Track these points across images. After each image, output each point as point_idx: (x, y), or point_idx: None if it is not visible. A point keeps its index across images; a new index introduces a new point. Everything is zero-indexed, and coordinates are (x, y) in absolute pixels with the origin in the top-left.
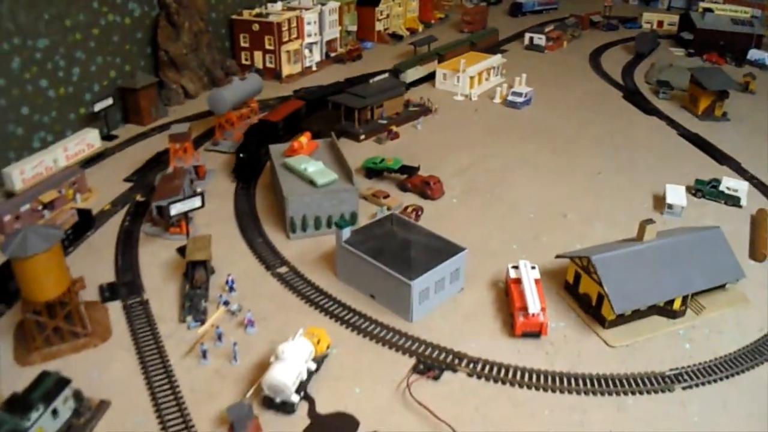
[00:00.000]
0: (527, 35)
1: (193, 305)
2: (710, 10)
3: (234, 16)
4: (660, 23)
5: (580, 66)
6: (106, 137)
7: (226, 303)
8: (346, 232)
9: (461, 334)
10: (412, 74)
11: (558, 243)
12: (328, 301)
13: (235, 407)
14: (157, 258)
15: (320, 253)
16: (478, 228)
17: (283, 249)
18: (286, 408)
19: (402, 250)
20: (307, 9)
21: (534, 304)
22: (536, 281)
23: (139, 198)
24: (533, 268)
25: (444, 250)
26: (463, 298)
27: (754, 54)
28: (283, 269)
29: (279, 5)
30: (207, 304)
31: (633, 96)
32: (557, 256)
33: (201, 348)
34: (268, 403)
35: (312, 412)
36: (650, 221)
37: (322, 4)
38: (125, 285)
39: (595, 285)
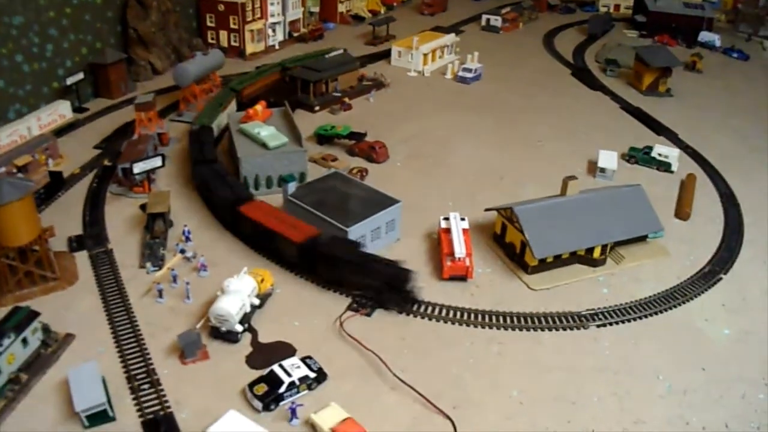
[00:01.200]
0: (484, 16)
1: (152, 253)
2: None
3: None
4: (617, 6)
5: (533, 46)
6: (77, 109)
7: (183, 251)
8: (291, 187)
9: None
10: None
11: (491, 201)
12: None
13: (185, 334)
14: (121, 214)
15: None
16: (418, 188)
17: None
18: (231, 337)
19: (341, 202)
20: None
21: (460, 250)
22: (464, 231)
23: (106, 162)
24: (463, 219)
25: (380, 202)
26: (399, 246)
27: (704, 36)
28: None
29: None
30: (165, 252)
31: (581, 73)
32: (486, 209)
33: (157, 287)
34: (215, 332)
35: (254, 341)
36: (572, 177)
37: None
38: (91, 237)
39: (519, 234)
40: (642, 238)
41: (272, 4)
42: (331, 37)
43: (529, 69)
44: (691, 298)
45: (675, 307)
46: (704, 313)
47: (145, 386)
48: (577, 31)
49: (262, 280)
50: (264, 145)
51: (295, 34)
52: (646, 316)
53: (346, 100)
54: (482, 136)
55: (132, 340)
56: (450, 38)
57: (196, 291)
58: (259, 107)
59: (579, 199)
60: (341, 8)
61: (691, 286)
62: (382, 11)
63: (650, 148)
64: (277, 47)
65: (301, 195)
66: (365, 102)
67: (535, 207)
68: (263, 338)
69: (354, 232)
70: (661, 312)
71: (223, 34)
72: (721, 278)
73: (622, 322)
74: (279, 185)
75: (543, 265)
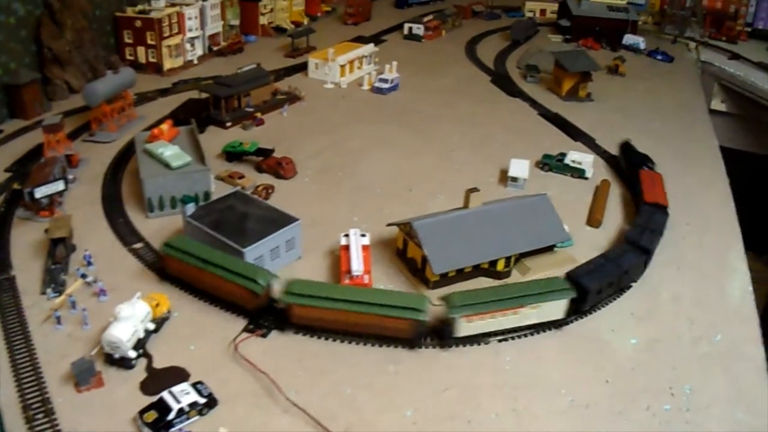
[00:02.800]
0: (406, 25)
1: (53, 278)
2: None
3: (118, 14)
4: (542, 11)
5: (454, 53)
6: None
7: (83, 276)
8: (190, 208)
9: None
10: None
11: (399, 214)
12: None
13: (79, 362)
14: (27, 239)
15: (174, 229)
16: (325, 203)
17: (141, 227)
18: (125, 363)
19: (240, 222)
20: (188, 5)
21: (358, 267)
22: (364, 247)
23: (15, 186)
24: (363, 235)
25: (279, 221)
26: (300, 265)
27: (628, 39)
28: (138, 245)
29: (162, 2)
30: (66, 277)
31: (501, 80)
32: (388, 224)
33: (55, 314)
34: (110, 359)
35: (149, 367)
36: (475, 190)
37: (204, 0)
38: None
39: (418, 249)
40: (550, 248)
41: (190, 18)
42: (251, 50)
43: (449, 77)
44: (599, 308)
45: (581, 317)
46: (612, 323)
47: (40, 416)
48: (500, 37)
49: (158, 305)
50: (167, 165)
51: (215, 48)
52: (550, 329)
53: (259, 115)
54: (394, 148)
55: (29, 368)
56: (368, 48)
57: (96, 316)
58: (165, 126)
59: (481, 211)
60: (263, 20)
61: (599, 296)
62: (306, 22)
63: (564, 155)
64: (195, 62)
65: (199, 216)
66: (279, 116)
67: (434, 221)
68: (158, 363)
69: (250, 253)
70: (566, 323)
71: (141, 50)
72: (630, 285)
73: (525, 335)
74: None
75: (445, 280)
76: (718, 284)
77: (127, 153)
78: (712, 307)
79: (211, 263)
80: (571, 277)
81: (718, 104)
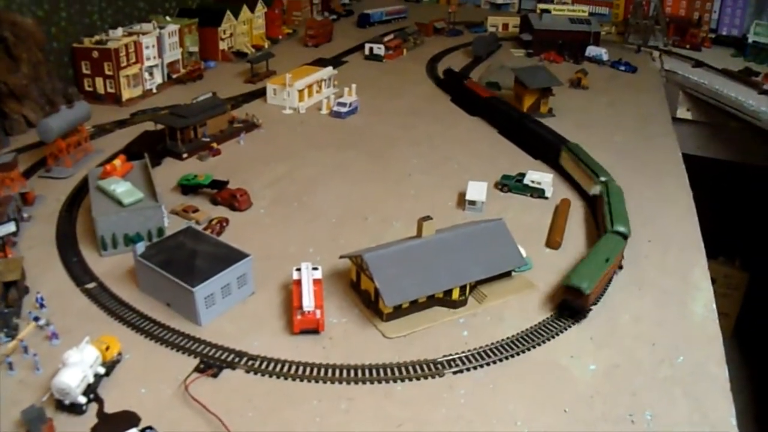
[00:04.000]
0: (367, 45)
1: (5, 323)
2: (547, 11)
3: (75, 45)
4: (505, 26)
5: (416, 72)
6: None
7: (36, 319)
8: (140, 247)
9: (246, 334)
10: None
11: (354, 244)
12: (128, 311)
13: (29, 410)
14: None
15: (128, 268)
16: (280, 235)
17: (94, 266)
18: (75, 409)
19: (189, 260)
20: (145, 33)
21: (309, 303)
22: (316, 281)
23: None
24: (315, 269)
25: (230, 257)
26: (253, 300)
27: (591, 50)
28: (91, 285)
29: (119, 31)
30: (18, 320)
31: (461, 99)
32: (340, 257)
33: (7, 360)
34: (60, 405)
35: (100, 412)
36: (427, 218)
37: (161, 28)
38: None
39: (370, 281)
40: (507, 274)
41: (147, 47)
42: (211, 76)
43: (409, 97)
44: (558, 334)
45: (539, 344)
46: (570, 349)
47: None
48: (463, 53)
49: (108, 348)
50: (119, 203)
51: (174, 76)
52: (507, 358)
53: (215, 145)
54: (351, 174)
55: None
56: (327, 72)
57: (48, 361)
58: (118, 162)
59: (434, 240)
60: (222, 45)
61: (557, 321)
62: (267, 45)
63: (523, 175)
64: (155, 91)
65: (149, 255)
66: (236, 145)
67: (385, 252)
68: (109, 408)
69: (200, 292)
70: (523, 351)
71: (99, 81)
72: (590, 309)
73: (481, 366)
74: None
75: (399, 311)
76: (681, 303)
77: (82, 189)
78: (674, 327)
79: None
80: None
81: (683, 112)
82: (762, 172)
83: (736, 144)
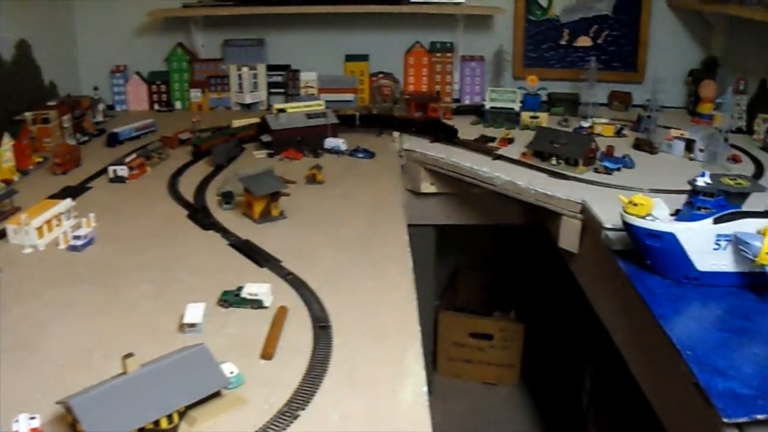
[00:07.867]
0: (110, 168)
1: None
2: (283, 110)
3: None
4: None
5: (157, 191)
6: None
7: None
8: None
9: None
10: None
11: (81, 385)
12: None
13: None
14: None
15: None
16: (7, 384)
17: None
18: None
19: None
20: None
21: None
22: (32, 430)
23: None
24: (33, 418)
25: None
26: None
27: (329, 142)
28: None
29: None
30: None
31: (196, 213)
32: (57, 403)
33: None
34: None
35: None
36: (130, 355)
37: None
38: None
39: (78, 422)
40: (217, 393)
41: None
42: None
43: (146, 219)
44: None
45: None
46: None
47: None
48: (206, 163)
49: None
50: None
51: None
52: None
53: None
54: (81, 310)
55: None
56: (65, 204)
57: None
58: None
59: (138, 375)
60: None
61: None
62: (17, 178)
63: (241, 289)
64: None
65: None
66: None
67: (91, 395)
68: None
69: None
70: None
71: None
72: (298, 415)
73: None
74: None
75: None
76: (392, 393)
77: None
78: (383, 418)
79: None
80: None
81: (428, 187)
82: (514, 229)
83: (481, 208)
